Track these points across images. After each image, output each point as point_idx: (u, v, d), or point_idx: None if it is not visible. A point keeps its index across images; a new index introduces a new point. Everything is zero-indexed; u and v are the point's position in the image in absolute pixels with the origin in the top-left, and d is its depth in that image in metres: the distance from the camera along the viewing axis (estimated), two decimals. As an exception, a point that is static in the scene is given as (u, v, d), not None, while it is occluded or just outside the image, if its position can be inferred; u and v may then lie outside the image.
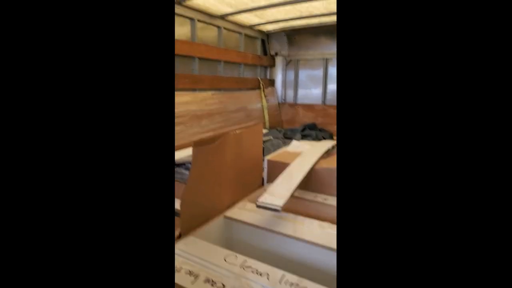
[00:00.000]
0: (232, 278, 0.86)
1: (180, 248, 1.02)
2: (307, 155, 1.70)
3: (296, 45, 3.67)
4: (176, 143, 2.24)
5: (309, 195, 1.47)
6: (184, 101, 2.42)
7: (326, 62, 3.49)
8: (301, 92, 3.78)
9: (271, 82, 3.83)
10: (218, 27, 2.88)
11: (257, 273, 0.87)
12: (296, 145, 1.94)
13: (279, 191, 1.25)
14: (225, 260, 0.94)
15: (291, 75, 3.80)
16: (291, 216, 1.27)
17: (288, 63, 3.78)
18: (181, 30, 2.52)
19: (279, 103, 3.81)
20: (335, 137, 2.93)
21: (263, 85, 3.54)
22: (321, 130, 3.17)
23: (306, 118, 3.53)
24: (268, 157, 1.72)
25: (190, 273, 0.88)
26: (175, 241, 1.07)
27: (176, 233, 1.12)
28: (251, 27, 3.29)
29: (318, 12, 2.78)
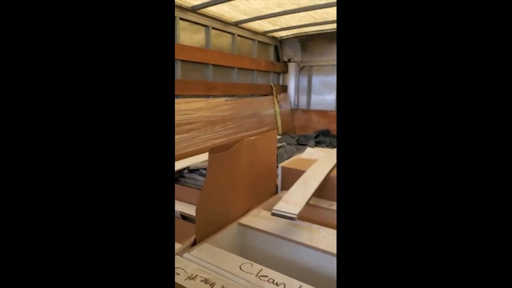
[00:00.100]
0: (248, 287, 0.85)
1: (195, 255, 1.02)
2: (322, 162, 1.68)
3: (309, 51, 3.67)
4: (190, 149, 2.26)
5: (325, 203, 1.45)
6: (198, 107, 2.44)
7: (339, 68, 3.47)
8: (314, 98, 3.77)
9: (284, 88, 3.83)
10: (232, 34, 2.91)
11: (274, 283, 0.86)
12: (310, 152, 1.93)
13: (294, 199, 1.23)
14: (240, 269, 0.93)
15: (304, 81, 3.80)
16: (306, 224, 1.25)
17: (301, 69, 3.78)
18: (196, 38, 2.55)
19: (291, 109, 3.80)
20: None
21: (275, 91, 3.54)
22: (334, 136, 3.14)
23: (320, 124, 3.51)
24: (282, 164, 1.71)
25: (206, 280, 0.87)
26: (190, 248, 1.07)
27: (191, 239, 1.12)
28: (264, 33, 3.31)
29: (332, 18, 2.78)
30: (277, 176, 1.68)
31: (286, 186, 1.62)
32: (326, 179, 1.48)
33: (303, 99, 3.84)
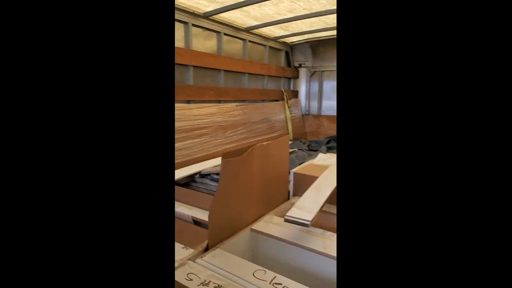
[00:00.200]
0: (262, 295, 0.83)
1: (208, 260, 1.01)
2: (335, 168, 1.65)
3: (320, 57, 3.66)
4: (201, 154, 2.27)
5: (338, 210, 1.43)
6: (210, 113, 2.46)
7: (351, 73, 3.44)
8: (325, 103, 3.75)
9: (295, 94, 3.82)
10: (243, 40, 2.93)
11: (287, 291, 0.84)
12: (322, 158, 1.91)
13: (307, 205, 1.22)
14: (254, 275, 0.92)
15: (315, 86, 3.78)
16: (319, 231, 1.23)
17: (312, 74, 3.77)
18: (208, 44, 2.58)
19: (302, 115, 3.78)
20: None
21: (286, 97, 3.53)
22: (346, 142, 3.10)
23: (331, 129, 3.48)
24: (294, 169, 1.69)
25: (219, 287, 0.86)
26: (203, 254, 1.07)
27: (204, 245, 1.12)
28: (275, 39, 3.32)
29: (343, 24, 2.76)
30: (289, 181, 1.67)
31: (298, 192, 1.61)
32: (339, 185, 1.46)
33: (314, 104, 3.82)
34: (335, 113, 3.59)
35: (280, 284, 0.87)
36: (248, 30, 2.88)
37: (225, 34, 2.68)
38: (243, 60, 2.96)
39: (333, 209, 1.43)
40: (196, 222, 1.51)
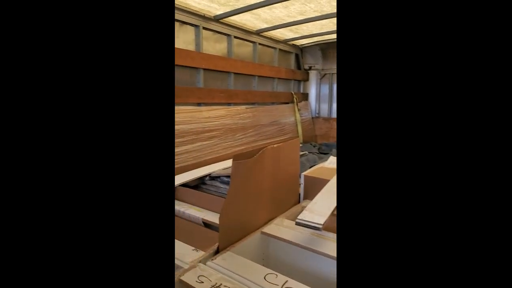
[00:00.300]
0: (273, 299, 0.82)
1: (219, 263, 1.01)
2: (346, 171, 1.63)
3: (330, 59, 3.64)
4: (211, 156, 2.27)
5: (350, 214, 1.40)
6: (219, 115, 2.46)
7: (362, 75, 3.41)
8: (335, 106, 3.72)
9: (305, 96, 3.81)
10: (253, 42, 2.93)
11: (300, 296, 0.83)
12: (333, 161, 1.88)
13: (319, 209, 1.20)
14: (265, 279, 0.90)
15: (325, 89, 3.76)
16: (331, 235, 1.21)
17: (322, 77, 3.75)
18: (218, 47, 2.59)
19: (312, 117, 3.76)
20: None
21: (296, 99, 3.52)
22: (357, 145, 3.07)
23: (341, 132, 3.44)
24: (305, 172, 1.68)
25: (230, 291, 0.85)
26: (213, 256, 1.06)
27: (214, 247, 1.11)
28: (285, 41, 3.32)
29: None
30: (299, 184, 1.65)
31: (309, 195, 1.59)
32: (351, 188, 1.44)
33: (324, 107, 3.79)
34: (345, 116, 3.56)
35: (292, 288, 0.86)
36: (259, 33, 2.88)
37: (235, 37, 2.69)
38: (253, 63, 2.96)
39: (345, 213, 1.40)
40: (206, 224, 1.51)
